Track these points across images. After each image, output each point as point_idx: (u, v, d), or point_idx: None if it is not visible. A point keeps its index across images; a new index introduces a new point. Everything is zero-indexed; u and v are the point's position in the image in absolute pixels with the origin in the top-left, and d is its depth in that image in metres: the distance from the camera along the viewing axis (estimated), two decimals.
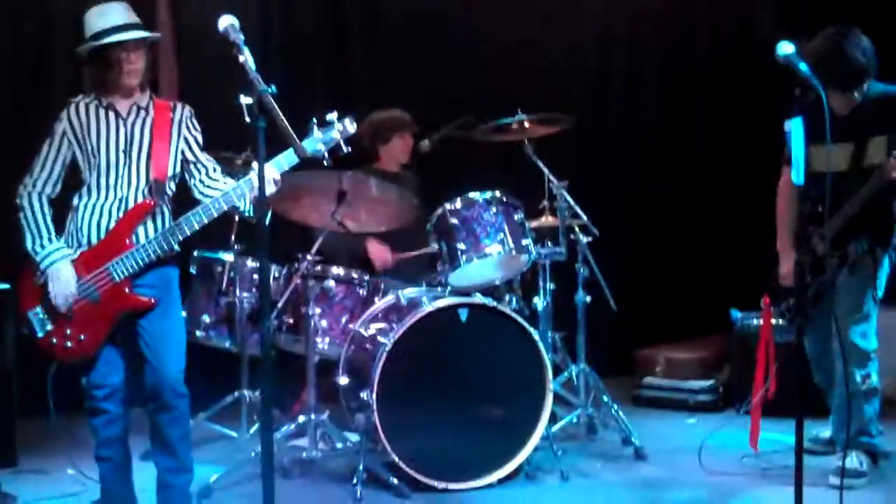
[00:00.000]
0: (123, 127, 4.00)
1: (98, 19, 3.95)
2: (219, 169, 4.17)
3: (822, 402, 4.97)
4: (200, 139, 4.14)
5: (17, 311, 4.12)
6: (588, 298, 5.50)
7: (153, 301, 3.97)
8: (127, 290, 3.94)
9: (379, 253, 5.62)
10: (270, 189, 3.87)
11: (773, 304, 4.80)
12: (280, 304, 4.93)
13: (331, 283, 5.06)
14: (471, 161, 6.06)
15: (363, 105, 6.21)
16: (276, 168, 3.93)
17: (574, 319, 5.49)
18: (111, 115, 4.01)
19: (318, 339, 4.97)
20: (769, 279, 4.86)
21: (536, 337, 4.81)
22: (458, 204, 4.92)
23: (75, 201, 4.03)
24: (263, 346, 3.35)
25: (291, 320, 5.08)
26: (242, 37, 3.37)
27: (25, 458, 5.03)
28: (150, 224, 4.00)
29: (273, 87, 3.29)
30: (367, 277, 5.18)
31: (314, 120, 3.99)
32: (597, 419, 5.49)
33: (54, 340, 3.96)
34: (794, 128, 3.61)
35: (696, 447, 4.99)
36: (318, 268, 4.98)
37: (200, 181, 4.12)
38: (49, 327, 3.97)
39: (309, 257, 4.84)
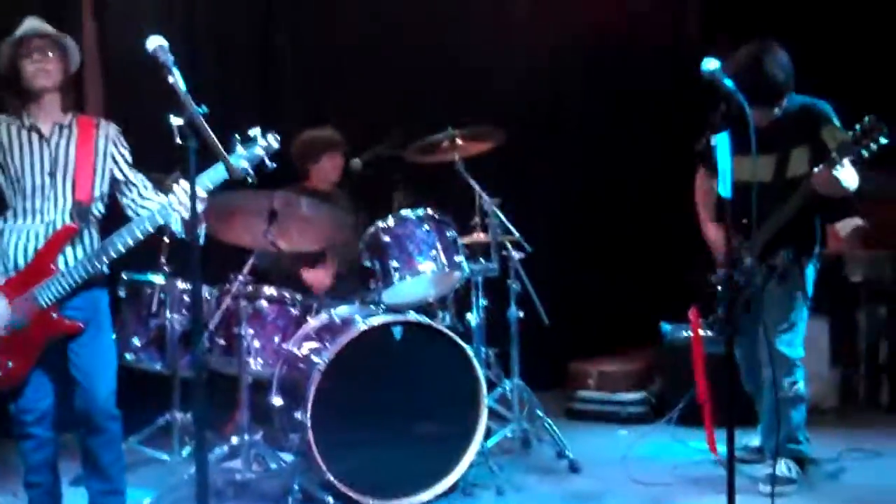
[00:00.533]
0: (47, 148, 3.95)
1: (11, 39, 3.94)
2: (150, 186, 4.12)
3: (752, 412, 5.06)
4: (129, 157, 4.09)
5: None
6: (521, 313, 5.53)
7: (81, 325, 3.92)
8: (54, 315, 3.89)
9: (315, 278, 5.60)
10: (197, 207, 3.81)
11: (701, 316, 4.84)
12: (212, 325, 4.89)
13: (263, 302, 5.04)
14: (402, 179, 6.06)
15: (293, 123, 6.21)
16: (200, 186, 3.85)
17: (507, 335, 5.52)
18: (34, 136, 3.95)
19: (251, 360, 4.93)
20: (697, 292, 4.91)
21: (470, 353, 4.82)
22: (391, 222, 4.93)
23: (3, 222, 3.96)
24: (195, 367, 3.34)
25: (223, 341, 5.03)
26: (172, 58, 3.35)
27: None
28: (76, 248, 3.95)
29: (204, 108, 3.28)
30: (299, 297, 5.16)
31: (237, 136, 3.93)
32: (531, 433, 5.52)
33: None
34: (720, 142, 3.67)
35: (629, 458, 5.04)
36: (251, 288, 4.95)
37: (133, 200, 4.07)
38: None
39: (241, 277, 4.82)
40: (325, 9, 6.86)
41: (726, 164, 3.66)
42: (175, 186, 3.88)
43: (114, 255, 3.91)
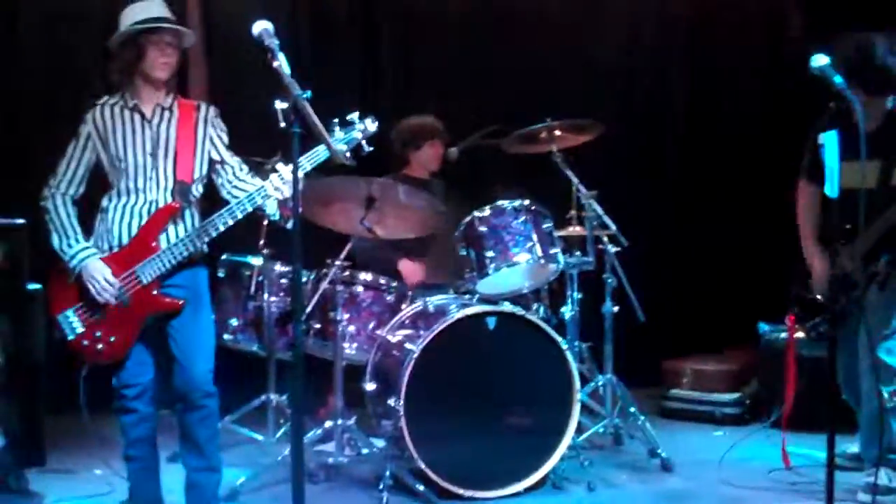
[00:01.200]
0: (149, 129, 4.01)
1: (137, 12, 3.98)
2: (245, 168, 4.18)
3: (851, 418, 4.93)
4: (226, 138, 4.15)
5: (47, 312, 4.14)
6: (615, 308, 5.47)
7: (181, 302, 3.99)
8: (155, 292, 3.96)
9: (411, 271, 5.61)
10: (286, 191, 3.90)
11: (799, 321, 4.77)
12: (309, 309, 4.94)
13: (359, 288, 5.07)
14: (500, 169, 6.05)
15: (393, 110, 6.24)
16: (317, 159, 3.93)
17: (601, 329, 5.47)
18: (136, 117, 4.02)
19: (346, 345, 4.97)
20: (793, 296, 4.81)
21: (564, 346, 4.79)
22: (487, 212, 4.91)
23: (104, 203, 4.05)
24: (294, 350, 3.35)
25: (319, 325, 5.09)
26: (277, 41, 3.38)
27: (53, 458, 5.01)
28: (177, 226, 4.02)
29: (308, 93, 3.30)
30: (395, 283, 5.19)
31: (335, 120, 3.98)
32: (623, 430, 5.47)
33: (85, 343, 3.98)
34: (828, 141, 3.60)
35: (722, 460, 4.96)
36: (347, 273, 5.00)
37: (228, 181, 4.13)
38: (80, 330, 3.98)
39: (338, 262, 4.86)
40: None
41: (834, 163, 3.57)
42: (275, 170, 3.94)
43: (213, 234, 3.98)
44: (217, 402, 4.08)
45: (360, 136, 3.99)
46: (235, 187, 4.11)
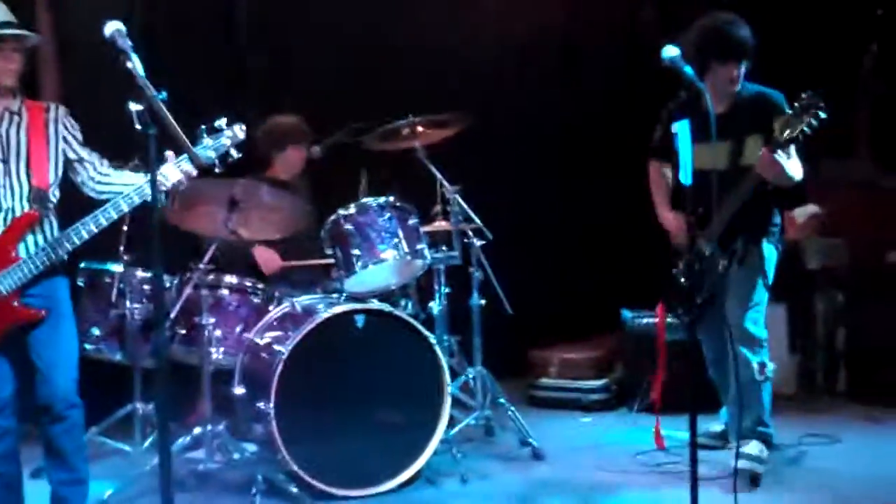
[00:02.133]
0: None
1: None
2: (106, 162, 4.10)
3: (713, 399, 5.09)
4: (80, 136, 4.06)
5: None
6: (483, 301, 5.54)
7: (42, 313, 3.89)
8: (15, 303, 3.85)
9: (266, 257, 5.55)
10: (184, 185, 3.92)
11: (668, 310, 4.90)
12: (173, 315, 4.85)
13: (224, 291, 5.00)
14: (363, 167, 6.04)
15: (255, 108, 6.16)
16: (185, 163, 3.89)
17: (469, 323, 5.52)
18: None
19: (213, 349, 4.89)
20: (663, 288, 4.91)
21: (433, 341, 4.83)
22: (353, 209, 4.91)
23: None
24: (158, 357, 3.30)
25: (185, 330, 4.99)
26: (130, 43, 3.31)
27: None
28: (36, 235, 3.91)
29: (163, 94, 3.24)
30: (261, 286, 5.13)
31: (203, 127, 3.94)
32: (494, 421, 5.54)
33: None
34: (681, 130, 3.68)
35: (592, 445, 5.07)
36: (212, 277, 4.92)
37: (90, 178, 4.05)
38: None
39: (202, 266, 4.78)
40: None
41: (687, 152, 3.66)
42: (168, 164, 3.89)
43: (77, 242, 3.88)
44: (82, 413, 4.00)
45: (228, 142, 3.95)
46: (100, 183, 4.05)
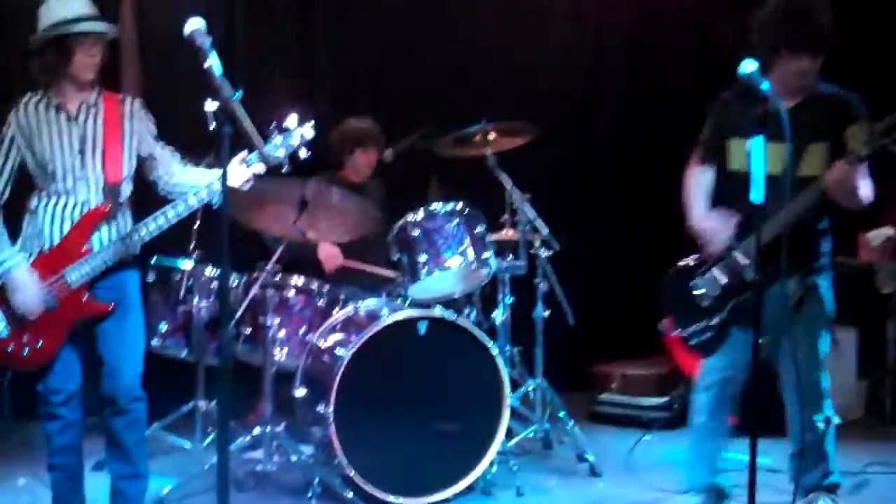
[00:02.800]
0: (76, 128, 3.92)
1: (58, 9, 3.86)
2: (179, 159, 4.11)
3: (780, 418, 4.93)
4: (154, 130, 4.07)
5: None
6: (546, 313, 5.50)
7: (111, 307, 3.91)
8: (84, 297, 3.88)
9: (329, 253, 5.56)
10: (249, 185, 3.95)
11: (679, 326, 4.32)
12: (238, 314, 4.87)
13: (290, 292, 5.02)
14: (433, 172, 6.03)
15: (330, 110, 6.19)
16: (248, 165, 3.93)
17: (532, 334, 5.49)
18: (62, 116, 3.91)
19: (276, 350, 4.92)
20: (668, 298, 4.43)
21: (495, 351, 4.79)
22: (420, 215, 4.89)
23: (33, 204, 3.95)
24: (222, 355, 3.31)
25: (249, 330, 5.03)
26: (209, 41, 3.32)
27: None
28: (107, 228, 3.94)
29: (240, 93, 3.25)
30: (326, 287, 5.14)
31: (273, 126, 3.95)
32: (552, 435, 5.49)
33: (10, 348, 3.85)
34: (755, 147, 3.60)
35: (651, 464, 5.00)
36: (278, 277, 4.94)
37: (164, 173, 4.07)
38: (4, 334, 3.85)
39: (269, 266, 4.80)
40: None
41: (760, 170, 3.57)
42: (235, 162, 3.92)
43: (146, 237, 3.92)
44: (145, 407, 4.01)
45: (297, 142, 3.96)
46: (172, 180, 4.06)
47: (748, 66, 3.62)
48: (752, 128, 3.81)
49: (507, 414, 4.76)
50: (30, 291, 3.81)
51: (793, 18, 3.92)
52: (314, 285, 5.10)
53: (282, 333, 4.96)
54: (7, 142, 3.91)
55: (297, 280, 5.06)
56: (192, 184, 4.01)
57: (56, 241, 3.89)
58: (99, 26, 3.91)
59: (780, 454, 4.91)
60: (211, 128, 3.24)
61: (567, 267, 5.58)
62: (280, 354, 4.95)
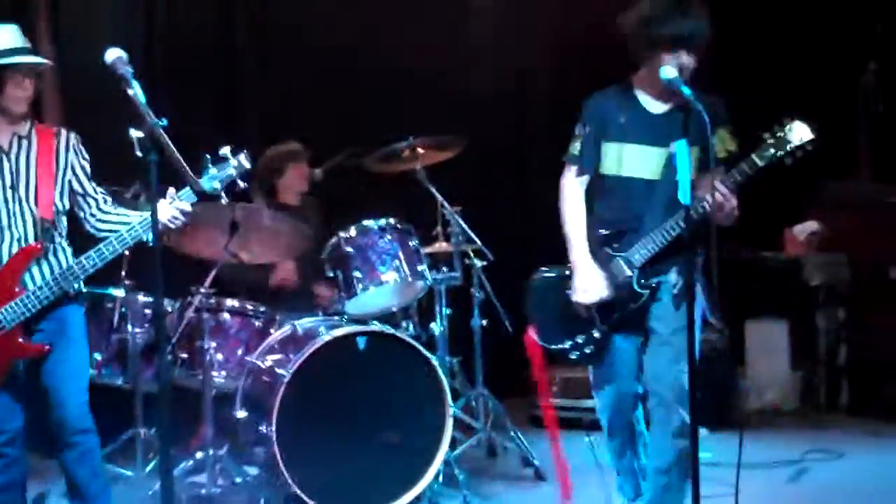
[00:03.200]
0: (7, 162, 3.85)
1: None
2: (109, 200, 4.05)
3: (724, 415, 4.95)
4: (88, 168, 3.99)
5: None
6: (484, 322, 5.55)
7: (47, 348, 3.82)
8: (20, 339, 3.78)
9: (285, 270, 5.57)
10: (178, 221, 3.85)
11: (547, 341, 4.14)
12: (174, 339, 4.85)
13: (226, 315, 5.01)
14: (363, 189, 6.06)
15: (253, 136, 6.19)
16: (185, 200, 3.85)
17: (471, 343, 5.53)
18: None
19: (215, 373, 4.90)
20: (532, 310, 4.23)
21: (435, 362, 4.82)
22: (353, 232, 4.92)
23: None
24: (160, 381, 3.30)
25: (186, 354, 5.00)
26: (131, 70, 3.33)
27: None
28: (41, 267, 3.85)
29: (164, 121, 3.25)
30: (262, 309, 5.13)
31: (208, 157, 3.90)
32: (496, 442, 5.53)
33: None
34: (679, 149, 3.63)
35: (594, 465, 5.04)
36: (213, 300, 4.93)
37: (91, 215, 3.98)
38: None
39: (203, 290, 4.78)
40: (286, 19, 6.84)
41: (686, 173, 3.60)
42: (163, 201, 3.79)
43: (83, 275, 3.84)
44: (95, 439, 3.95)
45: (234, 172, 3.91)
46: (100, 220, 3.97)
47: (668, 72, 3.68)
48: (637, 132, 3.85)
49: (450, 424, 4.78)
50: None
51: (675, 14, 3.81)
52: (249, 306, 5.09)
53: (219, 356, 4.94)
54: None
55: (232, 302, 5.05)
56: (120, 226, 3.90)
57: None
58: (32, 59, 3.87)
59: (721, 447, 5.04)
60: (138, 155, 3.24)
61: (501, 276, 5.63)
62: (219, 377, 4.93)
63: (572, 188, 4.10)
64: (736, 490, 4.08)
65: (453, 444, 5.01)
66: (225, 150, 3.92)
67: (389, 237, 4.92)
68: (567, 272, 4.06)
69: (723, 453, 5.03)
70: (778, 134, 3.77)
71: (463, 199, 5.49)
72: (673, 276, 3.95)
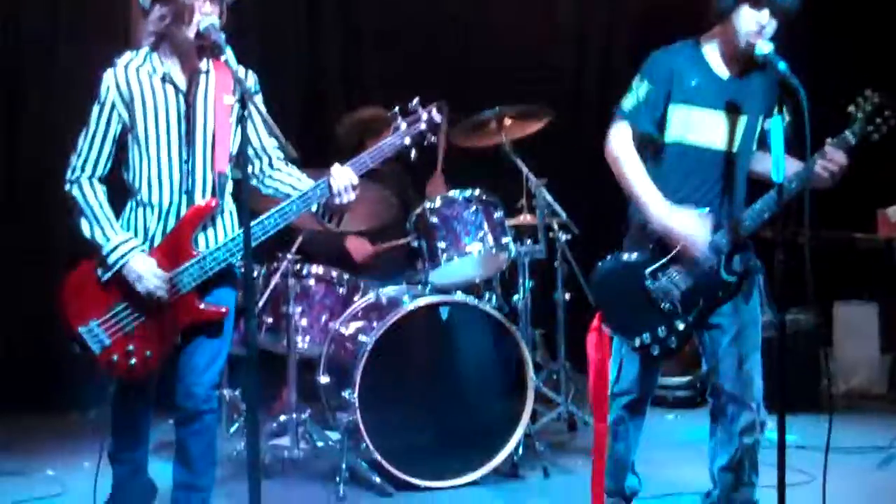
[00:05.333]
0: (185, 104, 3.49)
1: None
2: (282, 156, 3.66)
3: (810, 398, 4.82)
4: (269, 119, 3.31)
5: (62, 323, 3.55)
6: (567, 296, 5.52)
7: (224, 310, 3.56)
8: (197, 301, 3.52)
9: (358, 246, 5.60)
10: (351, 196, 3.61)
11: (619, 330, 3.81)
12: (260, 304, 4.92)
13: (311, 281, 5.06)
14: (450, 158, 6.05)
15: (336, 101, 6.21)
16: (353, 170, 3.62)
17: (554, 317, 5.51)
18: (168, 88, 3.48)
19: (299, 338, 4.96)
20: (604, 298, 3.88)
21: (517, 335, 4.81)
22: (438, 202, 4.91)
23: (137, 190, 3.52)
24: (248, 345, 3.33)
25: (271, 319, 5.07)
26: (223, 36, 3.34)
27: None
28: (218, 225, 3.58)
29: (258, 86, 3.26)
30: (346, 276, 5.17)
31: (396, 110, 3.73)
32: (577, 416, 5.52)
33: (115, 358, 3.50)
34: (774, 125, 3.54)
35: (675, 442, 5.02)
36: (298, 266, 4.98)
37: (261, 170, 3.67)
38: (107, 343, 3.49)
39: (289, 256, 4.84)
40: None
41: (780, 148, 3.51)
42: (335, 169, 3.59)
43: (269, 233, 3.54)
44: (216, 419, 3.74)
45: (424, 126, 3.70)
46: (271, 178, 3.67)
47: (763, 47, 3.57)
48: (710, 100, 3.62)
49: (531, 396, 4.79)
50: (152, 277, 3.44)
51: None
52: (334, 273, 5.13)
53: (304, 322, 5.00)
54: (107, 107, 3.47)
55: (317, 269, 5.10)
56: (289, 186, 3.65)
57: (157, 238, 3.53)
58: None
59: (807, 431, 4.95)
60: (233, 118, 3.22)
61: (585, 250, 5.58)
62: (303, 343, 5.00)
63: (627, 145, 3.71)
64: (824, 476, 4.05)
65: (534, 417, 5.01)
66: (415, 103, 3.73)
67: (475, 208, 4.91)
68: (635, 255, 3.76)
69: (808, 437, 4.95)
70: (865, 107, 3.60)
71: (548, 172, 5.44)
72: (750, 262, 3.72)
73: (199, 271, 3.49)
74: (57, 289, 3.55)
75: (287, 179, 3.67)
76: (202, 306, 3.53)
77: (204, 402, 3.59)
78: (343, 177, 3.56)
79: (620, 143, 3.73)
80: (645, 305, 3.71)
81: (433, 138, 3.73)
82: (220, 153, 3.51)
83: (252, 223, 3.36)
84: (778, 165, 3.41)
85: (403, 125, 3.70)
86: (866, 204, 6.64)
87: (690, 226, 3.61)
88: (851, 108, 3.61)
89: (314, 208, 3.64)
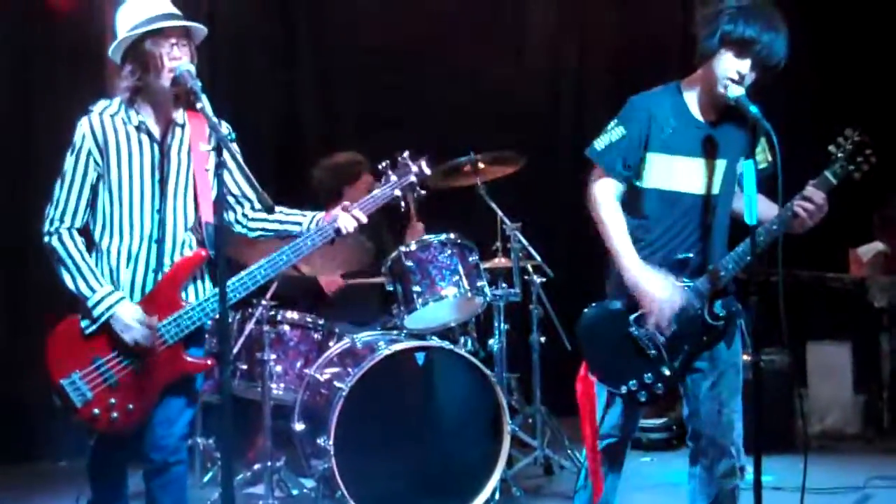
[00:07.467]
0: (159, 153, 3.46)
1: (134, 13, 3.41)
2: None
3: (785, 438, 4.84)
4: (243, 164, 3.31)
5: (47, 378, 3.44)
6: (542, 338, 5.52)
7: (209, 363, 3.55)
8: (183, 353, 3.46)
9: (329, 281, 5.57)
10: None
11: (605, 379, 3.73)
12: (235, 350, 4.88)
13: (285, 327, 5.03)
14: (424, 203, 6.05)
15: (312, 149, 6.21)
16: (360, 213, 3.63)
17: (529, 360, 5.50)
18: (143, 137, 3.45)
19: (273, 385, 4.92)
20: (588, 347, 3.81)
21: (493, 379, 4.79)
22: (413, 246, 4.91)
23: (102, 241, 3.47)
24: (222, 392, 3.27)
25: (245, 366, 5.03)
26: (199, 83, 3.33)
27: None
28: (205, 277, 3.55)
29: (233, 134, 3.25)
30: (321, 322, 5.15)
31: (386, 162, 3.77)
32: (554, 460, 5.49)
33: (96, 412, 3.40)
34: (747, 169, 3.56)
35: (651, 485, 5.00)
36: (273, 313, 4.95)
37: (244, 215, 3.65)
38: (89, 396, 3.40)
39: (264, 302, 4.81)
40: (345, 33, 6.90)
41: (753, 192, 3.52)
42: (341, 211, 3.62)
43: (259, 283, 3.54)
44: (185, 469, 3.59)
45: (414, 179, 3.76)
46: (254, 220, 3.65)
47: (735, 90, 3.57)
48: (688, 146, 3.59)
49: (507, 441, 4.76)
50: (138, 326, 3.38)
51: (758, 17, 3.50)
52: (309, 319, 5.11)
53: (278, 368, 4.96)
54: (84, 155, 3.43)
55: (292, 315, 5.07)
56: (275, 224, 3.64)
57: (137, 292, 3.46)
58: (180, 22, 3.45)
59: (782, 471, 4.96)
60: (210, 166, 3.20)
61: (560, 293, 5.60)
62: (277, 389, 4.96)
63: (609, 196, 3.68)
64: None
65: (510, 462, 4.98)
66: (404, 156, 3.77)
67: (450, 252, 4.90)
68: (618, 304, 3.73)
69: (784, 478, 4.95)
70: (847, 146, 3.58)
71: (522, 214, 5.46)
72: (734, 309, 3.65)
73: (188, 322, 3.44)
74: (28, 337, 3.52)
75: (272, 217, 3.62)
76: (189, 358, 3.48)
77: (172, 454, 3.50)
78: (350, 223, 3.62)
79: (602, 192, 3.70)
80: (631, 352, 3.65)
81: (423, 192, 3.78)
82: (206, 204, 3.48)
83: (262, 262, 3.46)
84: (750, 208, 3.43)
85: (394, 177, 3.74)
86: (838, 243, 6.70)
87: (659, 290, 3.56)
88: (832, 148, 3.60)
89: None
